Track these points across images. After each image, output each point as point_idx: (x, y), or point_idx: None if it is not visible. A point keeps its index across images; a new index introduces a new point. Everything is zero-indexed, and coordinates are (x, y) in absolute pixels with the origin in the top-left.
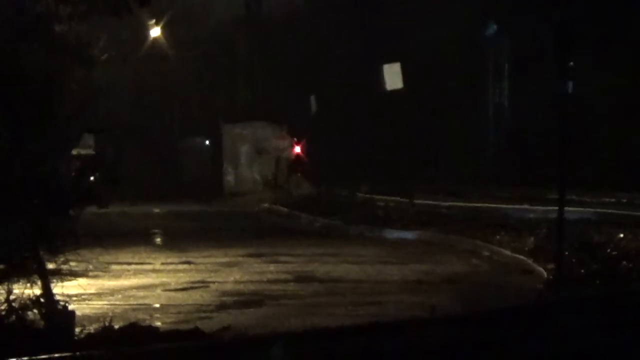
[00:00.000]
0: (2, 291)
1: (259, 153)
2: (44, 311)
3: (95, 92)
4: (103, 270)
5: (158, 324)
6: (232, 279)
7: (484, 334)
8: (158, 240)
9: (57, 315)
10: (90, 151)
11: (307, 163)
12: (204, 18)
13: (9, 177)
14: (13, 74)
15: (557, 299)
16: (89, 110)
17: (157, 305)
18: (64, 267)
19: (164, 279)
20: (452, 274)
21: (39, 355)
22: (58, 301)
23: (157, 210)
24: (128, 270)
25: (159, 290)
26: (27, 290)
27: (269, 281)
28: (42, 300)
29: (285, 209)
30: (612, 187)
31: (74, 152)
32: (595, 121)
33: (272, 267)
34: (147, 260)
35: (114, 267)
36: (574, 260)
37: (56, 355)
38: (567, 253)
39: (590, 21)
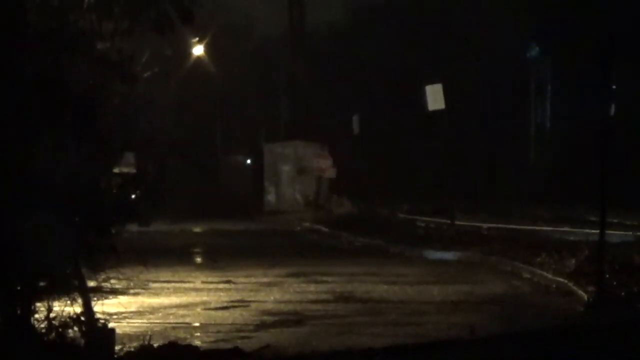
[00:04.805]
0: (43, 308)
1: (300, 172)
2: (84, 329)
3: (137, 107)
4: (143, 288)
5: (198, 342)
6: (272, 298)
7: (525, 353)
8: (198, 258)
9: (97, 333)
10: (132, 169)
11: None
12: (247, 35)
13: (50, 190)
14: (54, 87)
15: (599, 320)
16: (131, 125)
17: (197, 324)
18: (105, 284)
19: (204, 298)
20: (493, 295)
21: None
22: (98, 319)
23: (197, 227)
24: (168, 289)
25: (198, 309)
26: (67, 307)
27: (309, 301)
28: (82, 318)
29: (325, 228)
30: None
31: (116, 170)
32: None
33: (312, 287)
34: (187, 279)
35: (154, 285)
36: (614, 282)
37: None
38: (607, 275)
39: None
